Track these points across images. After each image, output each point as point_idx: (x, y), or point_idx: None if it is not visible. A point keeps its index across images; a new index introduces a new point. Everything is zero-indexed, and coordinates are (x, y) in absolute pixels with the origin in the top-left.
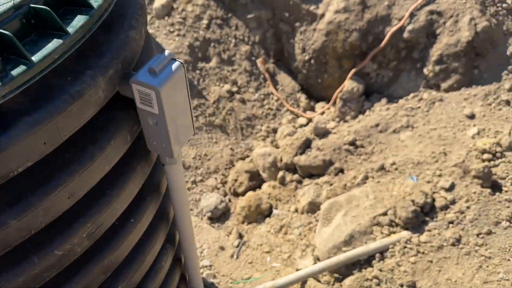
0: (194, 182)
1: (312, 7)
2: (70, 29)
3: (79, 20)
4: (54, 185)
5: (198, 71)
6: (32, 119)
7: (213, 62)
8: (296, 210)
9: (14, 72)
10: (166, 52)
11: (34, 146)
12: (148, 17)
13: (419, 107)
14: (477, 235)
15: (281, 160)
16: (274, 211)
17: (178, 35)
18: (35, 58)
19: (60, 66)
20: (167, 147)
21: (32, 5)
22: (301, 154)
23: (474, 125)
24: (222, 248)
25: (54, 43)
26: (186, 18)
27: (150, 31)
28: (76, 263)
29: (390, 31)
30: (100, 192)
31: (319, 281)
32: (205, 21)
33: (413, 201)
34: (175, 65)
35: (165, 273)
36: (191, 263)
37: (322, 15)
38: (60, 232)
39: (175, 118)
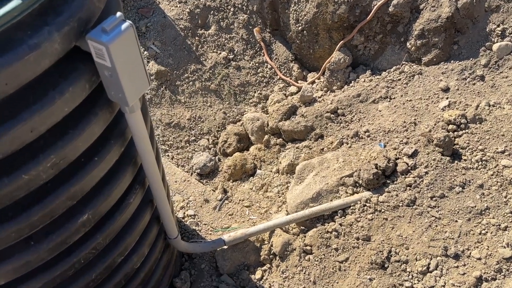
0: (187, 141)
1: None
2: None
3: None
4: (17, 121)
5: (197, 38)
6: None
7: (212, 30)
8: (278, 171)
9: None
10: (117, 14)
11: None
12: None
13: (400, 79)
14: (431, 197)
15: (267, 124)
16: (258, 171)
17: (180, 1)
18: None
19: (22, 22)
20: (123, 96)
21: None
22: (286, 119)
23: (447, 98)
24: (206, 201)
25: (15, 2)
26: None
27: None
28: (44, 187)
29: (376, 4)
30: (63, 131)
31: (287, 231)
32: None
33: (376, 165)
34: (124, 25)
35: (134, 209)
36: (162, 208)
37: None
38: (27, 160)
39: (128, 71)
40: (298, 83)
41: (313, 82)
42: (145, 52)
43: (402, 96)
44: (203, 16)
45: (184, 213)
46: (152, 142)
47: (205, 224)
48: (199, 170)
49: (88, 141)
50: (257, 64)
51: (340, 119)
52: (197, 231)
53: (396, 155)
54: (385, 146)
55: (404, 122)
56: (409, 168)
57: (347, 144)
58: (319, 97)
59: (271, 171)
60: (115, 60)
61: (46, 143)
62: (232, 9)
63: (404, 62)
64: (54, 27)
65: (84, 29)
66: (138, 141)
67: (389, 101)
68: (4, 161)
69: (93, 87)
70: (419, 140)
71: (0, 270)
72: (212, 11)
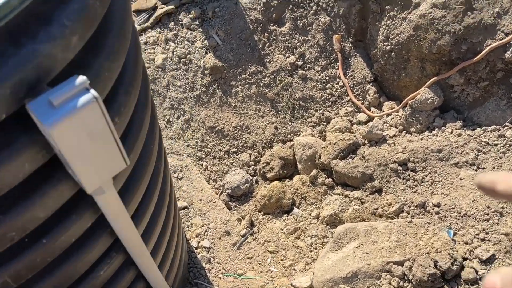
0: (227, 152)
1: None
2: None
3: None
4: None
5: (266, 34)
6: None
7: (286, 27)
8: (317, 217)
9: None
10: (78, 80)
11: None
12: None
13: (496, 145)
14: None
15: (319, 157)
16: (295, 210)
17: None
18: None
19: None
20: (79, 182)
21: None
22: (342, 158)
23: None
24: (227, 233)
25: None
26: None
27: None
28: None
29: (490, 45)
30: None
31: None
32: None
33: (436, 262)
34: (83, 99)
35: (106, 279)
36: (151, 278)
37: (417, 5)
38: None
39: (86, 156)
40: (370, 111)
41: (388, 114)
42: (206, 41)
43: (494, 168)
44: (280, 10)
45: (199, 242)
46: (168, 197)
47: (217, 263)
48: (230, 191)
49: (26, 226)
50: (327, 78)
51: (408, 175)
52: (206, 270)
53: (466, 254)
54: (454, 235)
55: (488, 207)
56: (478, 278)
57: (408, 214)
58: (391, 137)
59: (309, 215)
60: (62, 146)
61: None
62: (314, 8)
63: (507, 124)
64: None
65: (32, 90)
66: (113, 223)
67: (476, 170)
68: None
69: (40, 164)
70: (500, 240)
71: None
72: (290, 6)
